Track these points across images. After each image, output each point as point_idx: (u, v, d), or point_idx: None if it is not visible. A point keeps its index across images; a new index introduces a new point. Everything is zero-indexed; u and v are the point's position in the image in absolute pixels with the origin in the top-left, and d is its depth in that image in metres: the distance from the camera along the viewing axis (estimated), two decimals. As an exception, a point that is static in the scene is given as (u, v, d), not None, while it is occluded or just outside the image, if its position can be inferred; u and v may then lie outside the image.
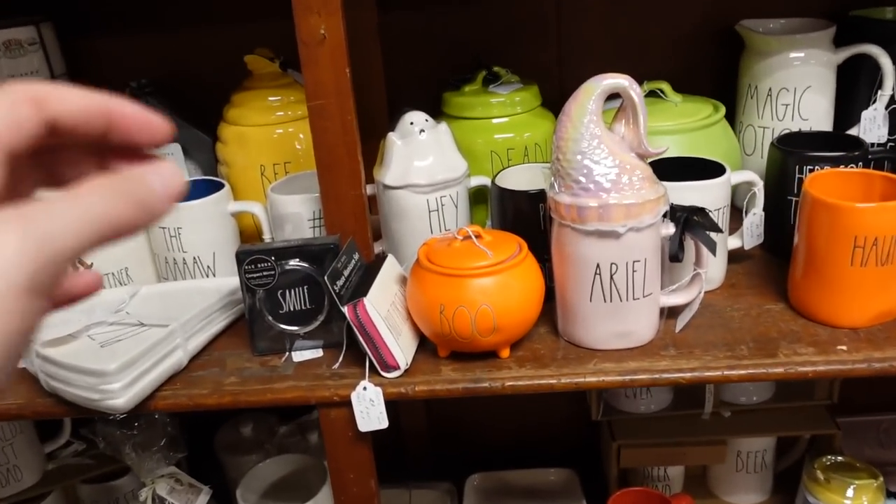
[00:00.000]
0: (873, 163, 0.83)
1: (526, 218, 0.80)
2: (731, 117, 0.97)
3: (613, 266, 0.70)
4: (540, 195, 0.78)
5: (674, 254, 0.72)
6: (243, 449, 1.14)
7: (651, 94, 0.94)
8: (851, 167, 0.81)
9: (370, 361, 0.72)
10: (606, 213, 0.68)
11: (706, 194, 0.78)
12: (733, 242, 0.85)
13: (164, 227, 0.86)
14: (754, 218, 0.83)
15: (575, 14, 1.07)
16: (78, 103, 0.28)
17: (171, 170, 0.29)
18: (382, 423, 0.72)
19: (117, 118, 0.29)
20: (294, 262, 0.76)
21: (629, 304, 0.71)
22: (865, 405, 1.22)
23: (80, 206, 0.26)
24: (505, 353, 0.74)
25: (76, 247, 0.25)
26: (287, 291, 0.76)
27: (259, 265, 0.75)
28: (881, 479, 0.99)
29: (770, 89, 0.94)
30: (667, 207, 0.70)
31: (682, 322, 0.76)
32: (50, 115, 0.27)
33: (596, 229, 0.68)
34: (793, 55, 0.92)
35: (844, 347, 0.71)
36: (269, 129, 0.95)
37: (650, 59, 1.07)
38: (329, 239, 0.77)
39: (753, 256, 0.88)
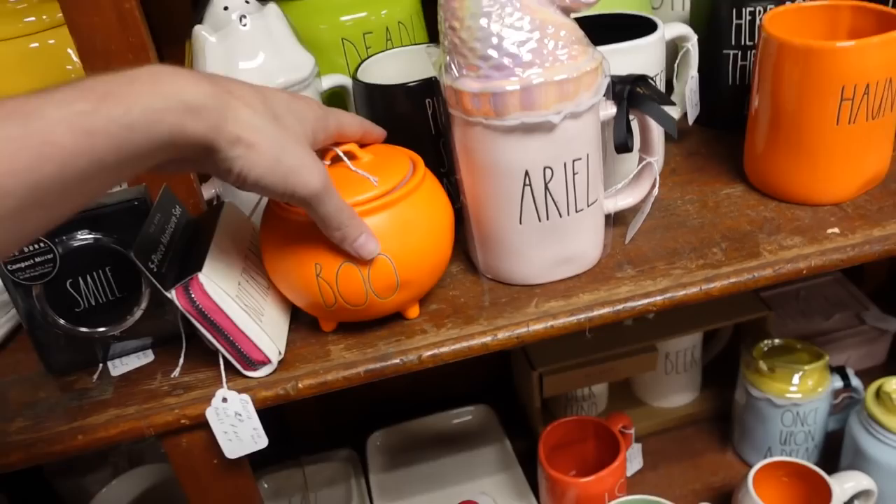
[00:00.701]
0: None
1: (409, 122, 0.58)
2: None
3: (548, 171, 0.50)
4: (425, 86, 0.57)
5: (622, 141, 0.53)
6: (82, 469, 0.89)
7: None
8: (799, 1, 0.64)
9: (225, 360, 0.50)
10: (532, 97, 0.47)
11: (638, 58, 0.59)
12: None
13: None
14: (691, 82, 0.66)
15: None
16: (352, 123, 0.52)
17: (375, 246, 0.48)
18: (259, 442, 0.50)
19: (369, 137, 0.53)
20: (82, 236, 0.50)
21: (571, 218, 0.52)
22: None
23: (343, 205, 0.46)
24: (413, 312, 0.54)
25: (323, 212, 0.45)
26: (80, 279, 0.51)
27: (26, 248, 0.49)
28: (826, 358, 0.89)
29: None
30: (607, 80, 0.51)
31: (632, 230, 0.58)
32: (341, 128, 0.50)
33: (521, 123, 0.48)
34: None
35: (836, 230, 0.56)
36: (18, 45, 0.66)
37: None
38: (131, 192, 0.52)
39: (687, 132, 0.72)
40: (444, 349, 0.51)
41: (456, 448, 1.04)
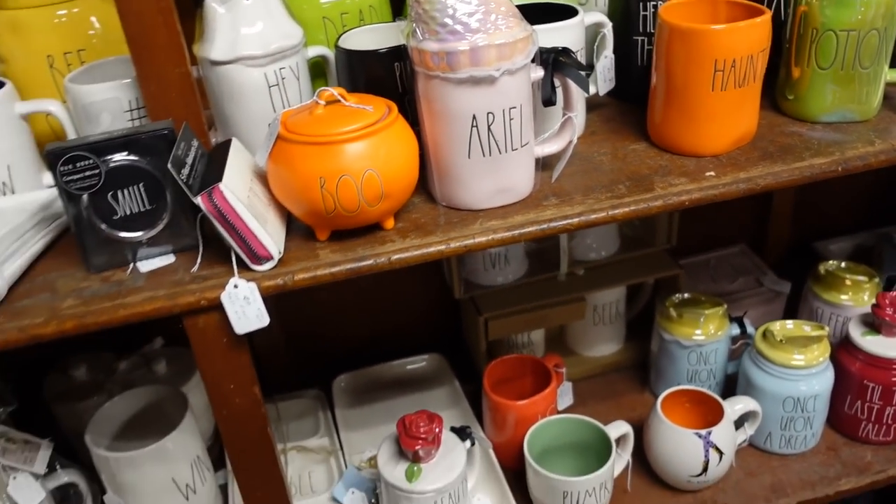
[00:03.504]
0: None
1: (381, 82, 0.73)
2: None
3: (490, 116, 0.65)
4: (394, 53, 0.71)
5: (547, 97, 0.68)
6: (79, 394, 1.00)
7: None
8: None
9: (237, 256, 0.63)
10: (478, 56, 0.62)
11: (561, 37, 0.75)
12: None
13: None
14: (606, 61, 0.82)
15: None
16: None
17: None
18: (262, 320, 0.64)
19: None
20: (122, 157, 0.64)
21: (508, 155, 0.68)
22: (696, 246, 1.30)
23: None
24: (390, 223, 0.68)
25: None
26: (119, 192, 0.64)
27: (78, 164, 0.62)
28: (725, 306, 1.06)
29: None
30: (537, 47, 0.66)
31: (557, 171, 0.74)
32: None
33: (469, 76, 0.63)
34: None
35: (713, 173, 0.73)
36: (50, 11, 0.79)
37: None
38: (161, 125, 0.65)
39: (605, 104, 0.88)
40: (408, 254, 0.66)
41: (411, 390, 1.18)
